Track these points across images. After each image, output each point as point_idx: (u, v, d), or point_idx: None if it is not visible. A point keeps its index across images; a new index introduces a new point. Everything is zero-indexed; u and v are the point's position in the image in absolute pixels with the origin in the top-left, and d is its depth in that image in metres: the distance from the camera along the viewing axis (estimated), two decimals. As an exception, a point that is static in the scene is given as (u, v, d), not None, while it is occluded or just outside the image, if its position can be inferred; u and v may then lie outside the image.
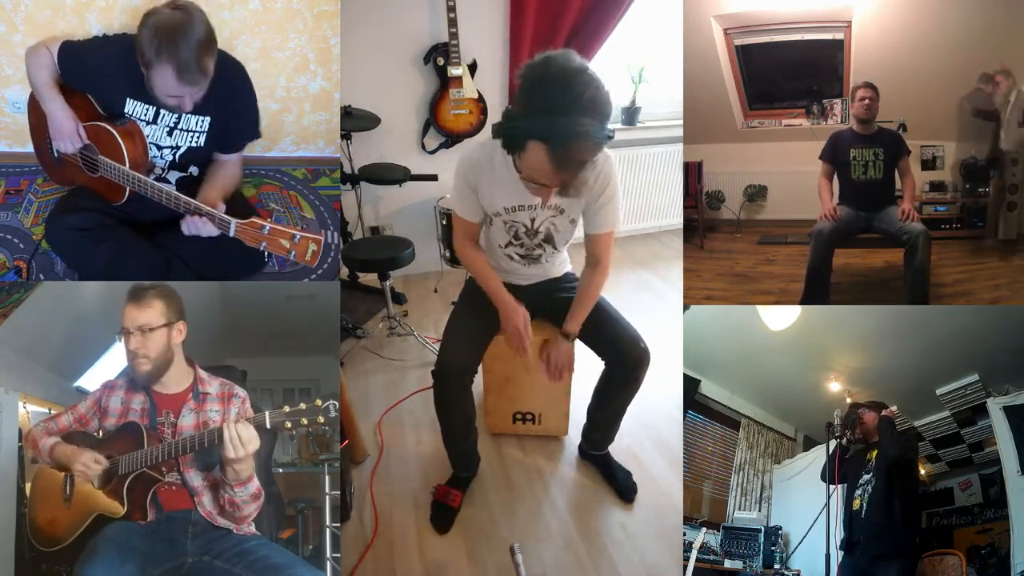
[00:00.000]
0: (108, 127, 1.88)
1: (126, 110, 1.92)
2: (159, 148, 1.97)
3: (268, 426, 1.44)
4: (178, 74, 1.72)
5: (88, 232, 1.89)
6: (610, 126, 1.55)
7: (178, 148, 1.99)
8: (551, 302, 2.13)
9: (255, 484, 1.51)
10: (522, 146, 1.55)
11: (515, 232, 1.97)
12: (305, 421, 1.43)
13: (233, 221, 1.75)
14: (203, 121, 1.98)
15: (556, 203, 1.87)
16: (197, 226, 1.82)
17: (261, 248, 1.73)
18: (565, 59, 1.49)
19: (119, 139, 1.87)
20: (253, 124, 2.13)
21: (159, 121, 1.94)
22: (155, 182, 1.87)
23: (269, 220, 1.72)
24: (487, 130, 3.60)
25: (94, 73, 1.90)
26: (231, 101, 2.01)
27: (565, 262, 2.21)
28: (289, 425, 1.43)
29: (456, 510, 2.18)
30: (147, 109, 1.92)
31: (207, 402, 1.62)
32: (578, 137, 1.47)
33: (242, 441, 1.40)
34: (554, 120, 1.46)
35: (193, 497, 1.55)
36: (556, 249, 2.04)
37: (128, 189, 1.93)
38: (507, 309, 2.02)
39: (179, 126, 1.96)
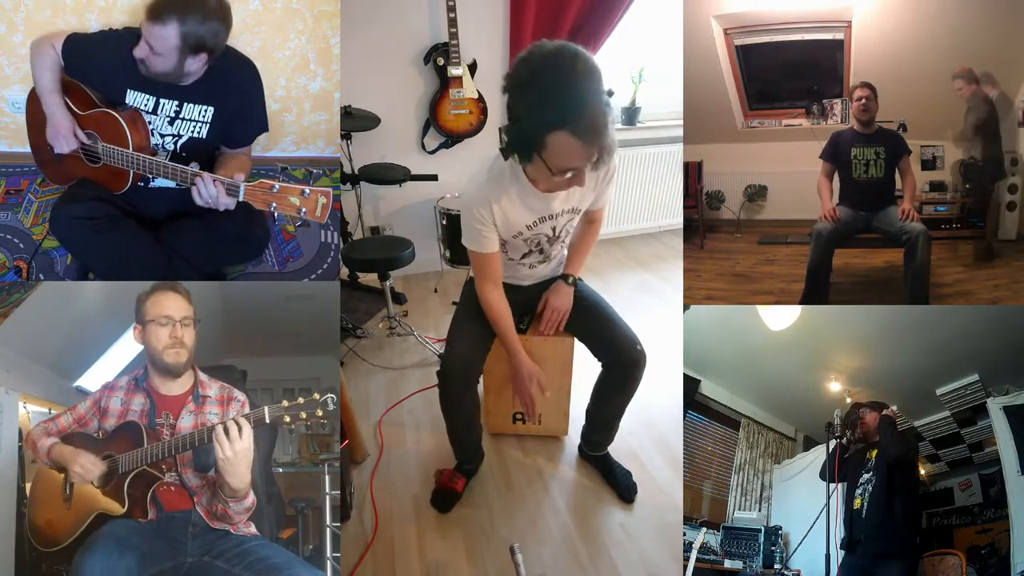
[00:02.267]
0: (112, 113, 1.89)
1: (127, 101, 1.93)
2: (161, 136, 1.97)
3: (268, 420, 1.44)
4: (148, 9, 1.72)
5: (93, 222, 1.90)
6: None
7: (179, 137, 1.99)
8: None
9: (251, 499, 1.50)
10: (542, 144, 1.52)
11: (536, 242, 1.97)
12: (304, 415, 1.43)
13: (242, 184, 1.75)
14: (205, 111, 1.97)
15: (573, 205, 1.89)
16: (209, 192, 1.77)
17: (271, 208, 1.71)
18: (539, 47, 1.50)
19: (123, 123, 1.88)
20: (261, 117, 2.13)
21: (160, 111, 1.94)
22: (158, 159, 1.88)
23: (277, 180, 1.72)
24: (485, 134, 3.60)
25: (97, 65, 1.91)
26: (237, 95, 2.01)
27: (565, 259, 2.22)
28: (288, 419, 1.43)
29: (459, 495, 2.20)
30: (148, 100, 1.92)
31: (207, 404, 1.62)
32: (591, 106, 1.46)
33: (230, 438, 1.37)
34: (563, 102, 1.45)
35: (192, 497, 1.55)
36: (564, 243, 2.08)
37: (131, 176, 1.94)
38: (524, 370, 2.02)
39: (181, 115, 1.96)
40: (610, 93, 1.52)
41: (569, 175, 1.59)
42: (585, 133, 1.47)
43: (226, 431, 1.38)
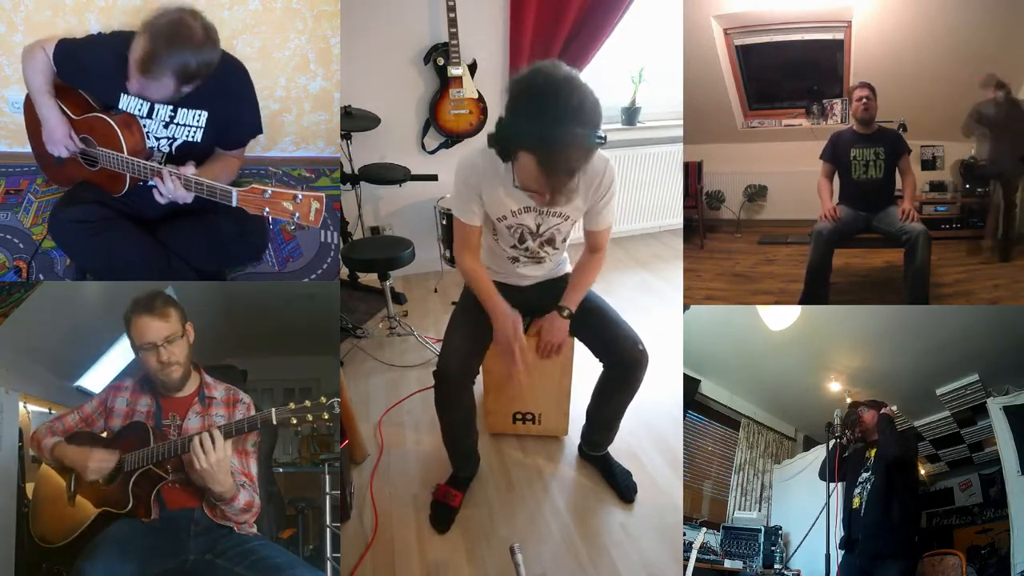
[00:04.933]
0: (105, 117, 1.89)
1: (121, 105, 1.93)
2: (156, 139, 1.98)
3: (274, 422, 1.47)
4: (137, 61, 1.73)
5: (90, 224, 1.91)
6: (610, 126, 1.56)
7: (174, 140, 1.99)
8: (552, 303, 2.13)
9: (242, 500, 1.52)
10: (514, 155, 1.56)
11: (520, 235, 1.97)
12: (310, 417, 1.46)
13: (234, 190, 1.75)
14: (199, 116, 1.97)
15: (562, 210, 1.89)
16: (167, 187, 1.80)
17: (264, 213, 1.72)
18: (551, 68, 1.49)
19: (117, 129, 1.88)
20: (254, 120, 2.13)
21: (154, 116, 1.94)
22: (156, 164, 1.88)
23: (270, 185, 1.73)
24: (485, 135, 3.59)
25: (90, 70, 1.91)
26: (230, 99, 2.01)
27: (564, 263, 2.22)
28: (295, 421, 1.46)
29: (456, 510, 2.18)
30: (141, 104, 1.92)
31: (212, 406, 1.63)
32: (565, 146, 1.47)
33: (204, 450, 1.41)
34: (540, 130, 1.46)
35: (198, 495, 1.55)
36: (556, 249, 2.06)
37: (128, 178, 1.94)
38: (498, 313, 1.98)
39: (175, 120, 1.96)
40: (603, 139, 1.54)
41: (528, 193, 1.65)
42: (548, 165, 1.50)
43: (201, 444, 1.41)
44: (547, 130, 1.45)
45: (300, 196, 1.69)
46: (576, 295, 2.06)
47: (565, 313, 2.05)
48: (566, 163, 1.50)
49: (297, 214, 1.70)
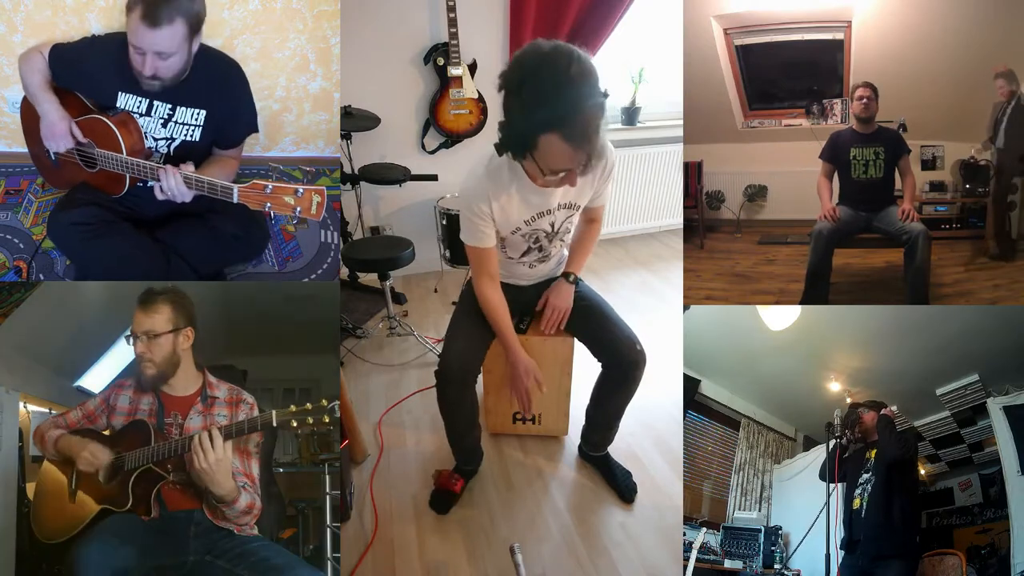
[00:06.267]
0: (103, 118, 1.89)
1: (119, 104, 1.93)
2: (155, 139, 1.98)
3: (274, 424, 1.46)
4: (143, 17, 1.71)
5: (89, 227, 1.90)
6: (610, 126, 1.56)
7: (173, 140, 1.99)
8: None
9: (243, 502, 1.51)
10: (534, 144, 1.53)
11: (535, 238, 1.97)
12: (311, 420, 1.45)
13: (235, 187, 1.75)
14: (198, 115, 1.98)
15: (571, 200, 1.89)
16: (168, 184, 1.80)
17: (266, 208, 1.72)
18: (535, 47, 1.50)
19: (114, 129, 1.88)
20: (251, 119, 2.14)
21: (153, 112, 1.94)
22: (155, 164, 1.87)
23: (270, 181, 1.73)
24: (485, 135, 3.60)
25: (85, 71, 1.91)
26: (226, 97, 2.02)
27: (565, 259, 2.22)
28: (295, 424, 1.45)
29: (457, 496, 2.20)
30: (140, 102, 1.92)
31: (215, 406, 1.63)
32: (583, 110, 1.47)
33: (203, 449, 1.41)
34: (555, 106, 1.45)
35: (197, 496, 1.55)
36: (563, 241, 2.08)
37: (128, 179, 1.94)
38: (520, 365, 2.02)
39: (173, 118, 1.96)
40: (605, 94, 1.53)
41: (561, 175, 1.61)
42: (575, 138, 1.48)
43: (200, 442, 1.41)
44: (561, 104, 1.45)
45: (301, 190, 1.70)
46: (579, 262, 2.12)
47: (571, 279, 2.10)
48: (590, 126, 1.49)
49: (299, 208, 1.70)
